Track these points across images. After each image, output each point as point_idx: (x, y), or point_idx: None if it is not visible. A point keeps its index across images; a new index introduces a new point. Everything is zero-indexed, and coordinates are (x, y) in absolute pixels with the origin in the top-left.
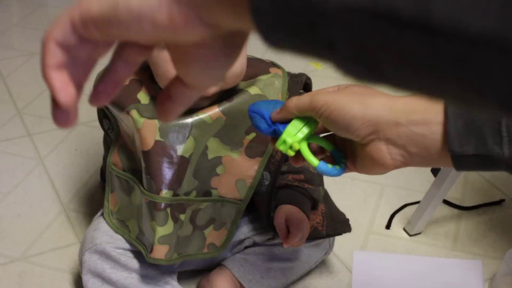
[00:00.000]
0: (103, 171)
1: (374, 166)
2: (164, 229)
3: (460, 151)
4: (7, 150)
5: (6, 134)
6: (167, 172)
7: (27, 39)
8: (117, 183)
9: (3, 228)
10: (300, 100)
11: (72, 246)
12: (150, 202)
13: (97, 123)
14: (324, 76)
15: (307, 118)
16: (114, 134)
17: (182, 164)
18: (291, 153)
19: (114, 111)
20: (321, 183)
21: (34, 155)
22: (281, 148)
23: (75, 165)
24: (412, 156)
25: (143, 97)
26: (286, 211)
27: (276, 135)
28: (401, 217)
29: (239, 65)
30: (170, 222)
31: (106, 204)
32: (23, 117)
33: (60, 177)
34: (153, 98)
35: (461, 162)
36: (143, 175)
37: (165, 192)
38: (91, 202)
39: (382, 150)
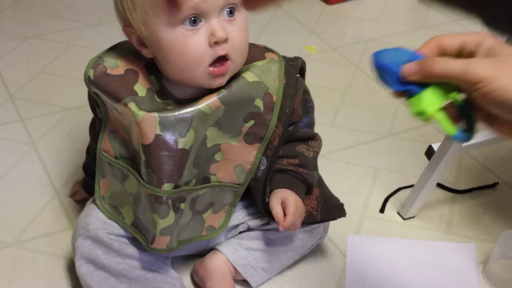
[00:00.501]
0: (87, 168)
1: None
2: (165, 221)
3: None
4: None
5: None
6: (169, 166)
7: (19, 23)
8: (109, 170)
9: None
10: (450, 67)
11: (65, 231)
12: (151, 195)
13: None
14: (318, 60)
15: (447, 83)
16: (103, 120)
17: (183, 156)
18: (426, 121)
19: (106, 98)
20: (315, 167)
21: (27, 140)
22: (418, 117)
23: (68, 149)
24: None
25: (140, 89)
26: (281, 194)
27: (407, 94)
28: (395, 200)
29: (244, 42)
30: (172, 214)
31: (97, 189)
32: (15, 101)
33: (53, 162)
34: (150, 90)
35: None
36: (143, 168)
37: (166, 186)
38: None
39: None
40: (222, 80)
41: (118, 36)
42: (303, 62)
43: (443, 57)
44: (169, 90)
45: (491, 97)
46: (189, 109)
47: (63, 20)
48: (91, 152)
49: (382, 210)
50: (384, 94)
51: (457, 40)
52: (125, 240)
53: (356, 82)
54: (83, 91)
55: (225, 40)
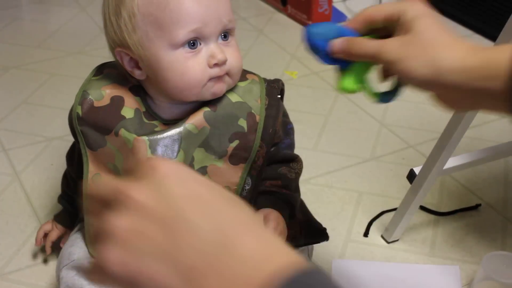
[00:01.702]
0: (65, 197)
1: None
2: None
3: None
4: None
5: None
6: None
7: (1, 53)
8: None
9: None
10: (366, 48)
11: (49, 262)
12: None
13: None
14: (300, 85)
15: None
16: (84, 168)
17: None
18: (352, 93)
19: (94, 134)
20: (296, 189)
21: (10, 171)
22: (342, 92)
23: (51, 179)
24: (473, 107)
25: (127, 111)
26: (263, 211)
27: (338, 68)
28: (378, 224)
29: (240, 61)
30: None
31: (87, 236)
32: None
33: (37, 192)
34: (137, 110)
35: None
36: None
37: None
38: None
39: (448, 103)
40: (222, 87)
41: (100, 64)
42: (283, 84)
43: (362, 38)
44: (155, 112)
45: (402, 75)
46: (177, 130)
47: (46, 50)
48: (70, 179)
49: (366, 234)
50: (366, 118)
51: (383, 11)
52: None
53: (338, 106)
54: (66, 120)
55: (224, 62)
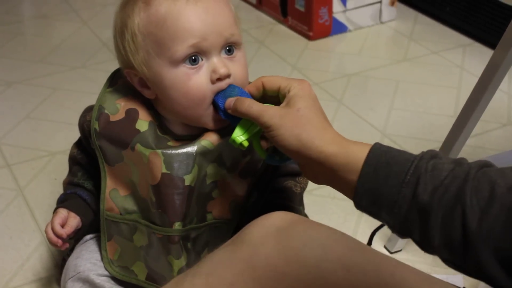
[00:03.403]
0: (74, 181)
1: (304, 175)
2: (180, 261)
3: (359, 202)
4: None
5: None
6: (177, 204)
7: (3, 69)
8: (115, 229)
9: None
10: (251, 110)
11: (53, 276)
12: (164, 237)
13: None
14: None
15: None
16: (102, 181)
17: (189, 193)
18: (243, 148)
19: (111, 149)
20: (301, 203)
21: (14, 186)
22: (234, 145)
23: (55, 194)
24: (330, 185)
25: (141, 124)
26: None
27: (232, 124)
28: (381, 234)
29: (245, 77)
30: (184, 254)
31: (104, 254)
32: (1, 147)
33: (40, 207)
34: (151, 123)
35: (359, 208)
36: (154, 211)
37: (177, 224)
38: None
39: (308, 173)
40: (218, 123)
41: (102, 78)
42: None
43: (252, 100)
44: (167, 127)
45: (275, 141)
46: (193, 147)
47: (48, 64)
48: (79, 157)
49: (369, 244)
50: (368, 128)
51: (276, 83)
52: (115, 281)
53: (340, 116)
54: (69, 135)
55: (228, 76)
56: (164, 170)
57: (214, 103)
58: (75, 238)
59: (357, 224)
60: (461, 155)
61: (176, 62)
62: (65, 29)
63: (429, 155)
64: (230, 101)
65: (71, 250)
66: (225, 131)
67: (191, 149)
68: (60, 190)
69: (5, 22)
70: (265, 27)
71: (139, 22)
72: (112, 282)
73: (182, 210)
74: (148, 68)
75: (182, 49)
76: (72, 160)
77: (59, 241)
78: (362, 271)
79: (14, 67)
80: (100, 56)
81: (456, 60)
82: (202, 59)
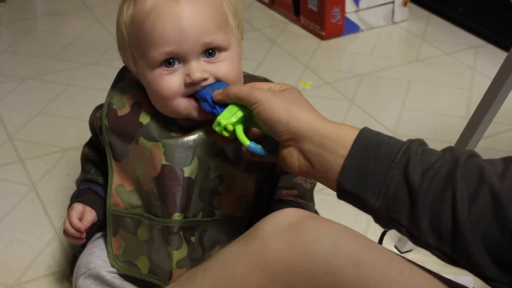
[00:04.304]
0: (88, 178)
1: (285, 165)
2: (180, 253)
3: (344, 183)
4: None
5: None
6: (177, 195)
7: (17, 65)
8: (120, 224)
9: None
10: (240, 90)
11: (65, 271)
12: (163, 228)
13: None
14: (313, 96)
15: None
16: (109, 177)
17: (189, 185)
18: (225, 134)
19: (119, 143)
20: (311, 199)
21: (26, 181)
22: (216, 129)
23: (68, 190)
24: (314, 171)
25: (144, 117)
26: None
27: (215, 116)
28: (392, 234)
29: (232, 73)
30: (185, 245)
31: (109, 250)
32: (14, 142)
33: (53, 202)
34: (154, 116)
35: (341, 192)
36: (155, 202)
37: (177, 215)
38: None
39: (294, 156)
40: (203, 113)
41: (115, 75)
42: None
43: (240, 86)
44: (172, 118)
45: (262, 116)
46: (192, 137)
47: (61, 61)
48: (91, 156)
49: (379, 244)
50: (379, 127)
51: (266, 85)
52: (127, 279)
53: (351, 116)
54: (82, 131)
55: (204, 79)
56: (164, 162)
57: (200, 96)
58: (88, 234)
59: (368, 224)
60: None
61: (152, 66)
62: (78, 26)
63: (419, 142)
64: (218, 91)
65: (82, 246)
66: None
67: (191, 140)
68: (72, 186)
69: (19, 19)
70: (277, 26)
71: (126, 21)
72: (122, 279)
73: (181, 201)
74: (135, 66)
75: (157, 55)
76: (85, 159)
77: (78, 234)
78: (371, 267)
79: (27, 63)
80: (112, 53)
81: (468, 61)
82: (179, 63)
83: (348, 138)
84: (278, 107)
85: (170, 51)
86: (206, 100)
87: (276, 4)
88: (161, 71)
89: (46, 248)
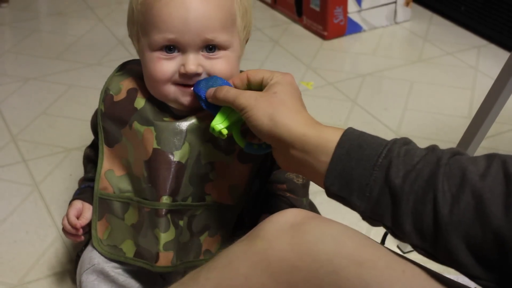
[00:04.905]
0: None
1: (278, 163)
2: (167, 235)
3: (329, 186)
4: (2, 177)
5: (0, 161)
6: (166, 179)
7: (20, 65)
8: (107, 208)
9: None
10: (228, 95)
11: (69, 271)
12: (151, 210)
13: None
14: (316, 96)
15: None
16: (98, 161)
17: (179, 169)
18: (222, 136)
19: (113, 128)
20: (305, 194)
21: (29, 181)
22: (213, 133)
23: (70, 190)
24: (303, 171)
25: (138, 102)
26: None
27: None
28: None
29: (226, 73)
30: (172, 228)
31: (94, 233)
32: (17, 143)
33: (56, 202)
34: (148, 100)
35: (328, 194)
36: (145, 185)
37: (165, 198)
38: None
39: (280, 158)
40: (187, 99)
41: None
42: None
43: (230, 87)
44: (167, 105)
45: (249, 122)
46: (184, 123)
47: (64, 61)
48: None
49: (382, 244)
50: (381, 128)
51: (259, 74)
52: (130, 274)
53: (354, 116)
54: (85, 131)
55: (197, 74)
56: (156, 146)
57: (196, 93)
58: (88, 230)
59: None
60: None
61: (153, 48)
62: (80, 26)
63: (402, 141)
64: (210, 91)
65: (85, 245)
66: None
67: (183, 125)
68: (75, 186)
69: (22, 19)
70: (280, 27)
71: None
72: (126, 274)
73: (171, 185)
74: (137, 42)
75: (159, 39)
76: (87, 159)
77: (74, 231)
78: (374, 267)
79: (30, 64)
80: (115, 54)
81: (470, 61)
82: (178, 51)
83: (330, 142)
84: (260, 115)
85: (172, 38)
86: (202, 99)
87: (279, 4)
88: (159, 54)
89: (49, 249)
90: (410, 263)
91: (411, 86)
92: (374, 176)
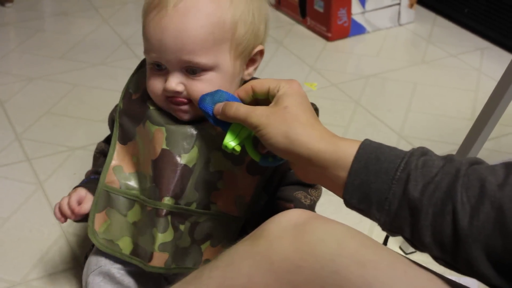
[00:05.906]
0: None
1: (297, 175)
2: (164, 236)
3: (349, 200)
4: (6, 175)
5: (5, 160)
6: (171, 180)
7: (25, 64)
8: (110, 202)
9: (3, 253)
10: (238, 113)
11: (72, 270)
12: (152, 210)
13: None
14: (319, 97)
15: None
16: (108, 156)
17: (185, 173)
18: (236, 152)
19: (129, 125)
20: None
21: (34, 180)
22: (226, 150)
23: None
24: (322, 183)
25: (153, 102)
26: None
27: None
28: None
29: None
30: (171, 230)
31: (89, 224)
32: (22, 142)
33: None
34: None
35: (347, 205)
36: (150, 185)
37: (167, 199)
38: None
39: (298, 172)
40: (182, 114)
41: (122, 75)
42: (317, 109)
43: (239, 103)
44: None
45: (263, 140)
46: (195, 127)
47: (69, 61)
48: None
49: (384, 244)
50: (385, 129)
51: (265, 85)
52: (136, 276)
53: (357, 118)
54: (89, 130)
55: (177, 93)
56: (164, 146)
57: (203, 110)
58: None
59: (372, 225)
60: None
61: (148, 62)
62: (85, 26)
63: (420, 152)
64: (218, 107)
65: (93, 245)
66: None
67: (193, 129)
68: None
69: (26, 19)
70: (283, 28)
71: (144, 7)
72: (132, 276)
73: (175, 187)
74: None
75: (147, 56)
76: (100, 153)
77: (69, 212)
78: (376, 267)
79: (35, 63)
80: (119, 54)
81: (474, 63)
82: (165, 68)
83: (347, 156)
84: (275, 134)
85: (155, 57)
86: (210, 116)
87: (283, 5)
88: (152, 69)
89: (52, 247)
90: (412, 264)
91: (414, 88)
92: (392, 190)
